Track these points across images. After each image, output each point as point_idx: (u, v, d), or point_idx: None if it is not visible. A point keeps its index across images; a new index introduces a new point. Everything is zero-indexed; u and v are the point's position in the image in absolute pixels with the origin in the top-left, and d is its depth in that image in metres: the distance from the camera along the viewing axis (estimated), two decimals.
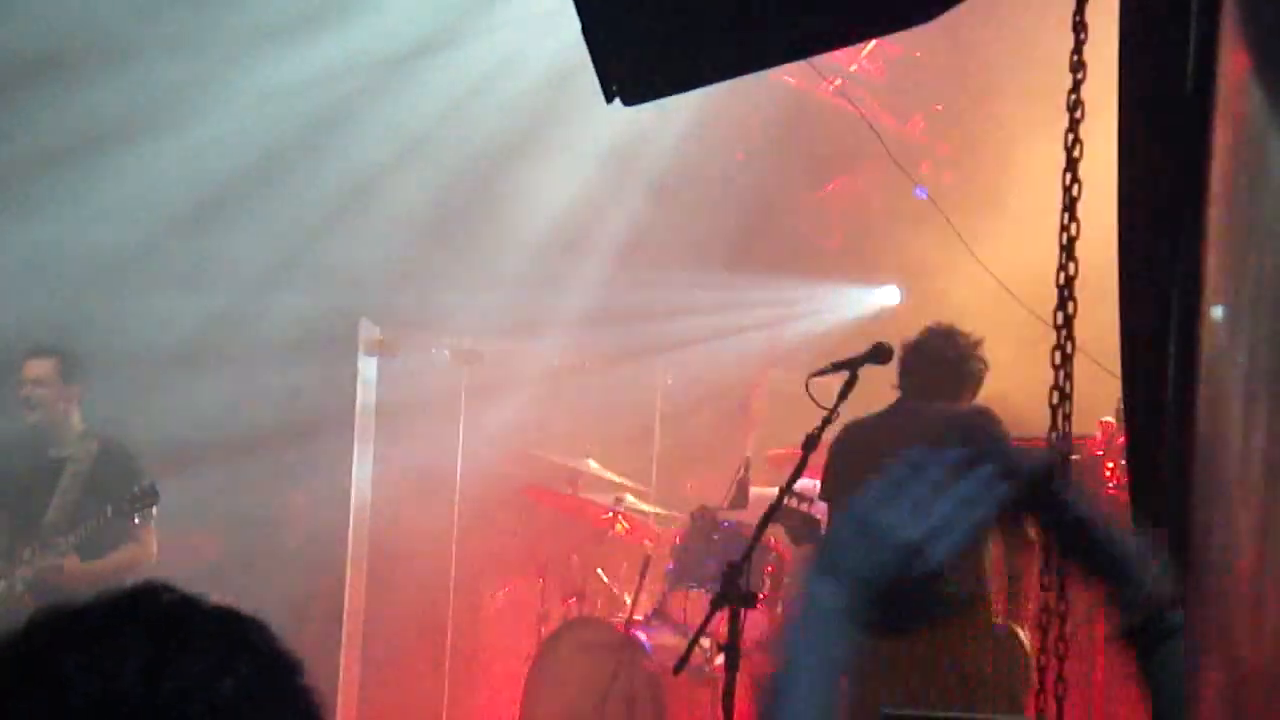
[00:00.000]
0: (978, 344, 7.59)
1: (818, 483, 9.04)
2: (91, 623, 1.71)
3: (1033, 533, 3.86)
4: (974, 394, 7.59)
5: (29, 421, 9.13)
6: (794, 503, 7.97)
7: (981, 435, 7.31)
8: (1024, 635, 7.23)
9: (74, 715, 1.64)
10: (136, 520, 8.86)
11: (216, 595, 1.80)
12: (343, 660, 10.73)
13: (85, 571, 8.80)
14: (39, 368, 9.09)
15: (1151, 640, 2.26)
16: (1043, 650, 3.90)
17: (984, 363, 7.61)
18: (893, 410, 7.63)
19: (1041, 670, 3.84)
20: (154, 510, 8.85)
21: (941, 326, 7.63)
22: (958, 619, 7.14)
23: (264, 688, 1.72)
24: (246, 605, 1.80)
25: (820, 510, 8.11)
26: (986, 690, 6.99)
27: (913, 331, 7.77)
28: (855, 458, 7.60)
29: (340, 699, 10.64)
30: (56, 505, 8.98)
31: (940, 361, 7.53)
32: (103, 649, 1.67)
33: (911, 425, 7.44)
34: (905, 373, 7.61)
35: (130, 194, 10.86)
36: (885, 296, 12.40)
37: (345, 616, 10.85)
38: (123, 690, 1.65)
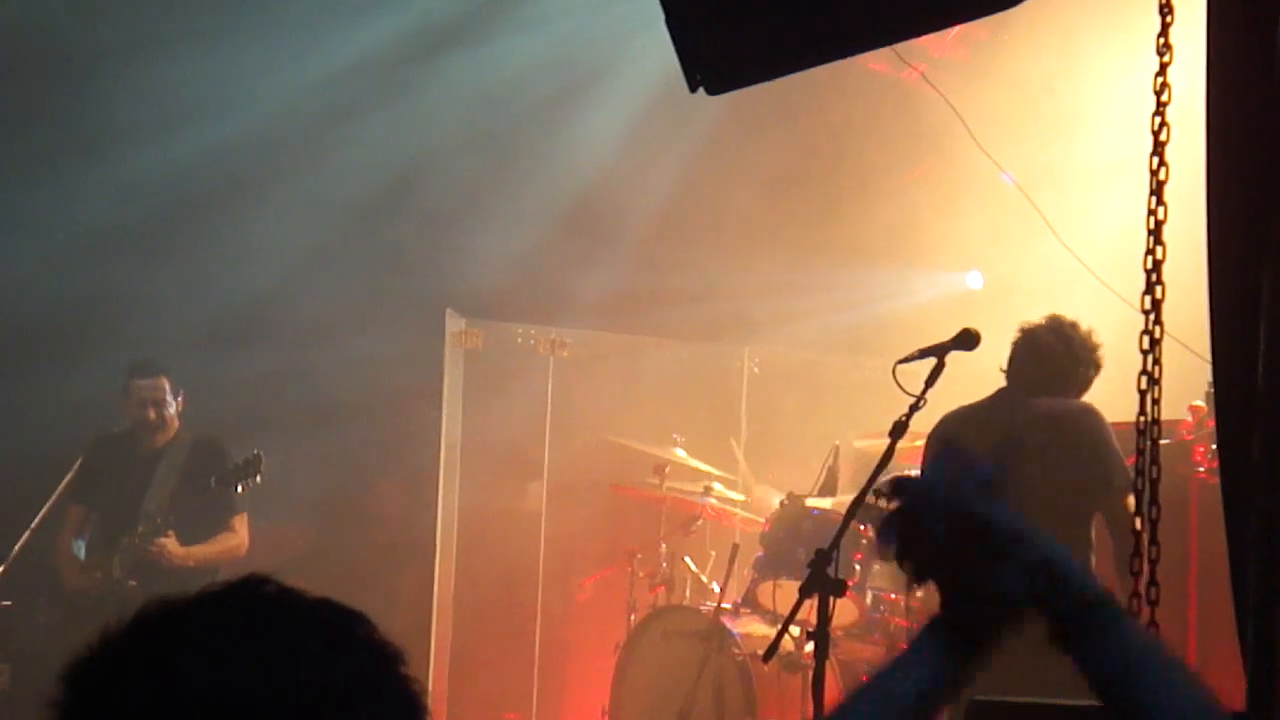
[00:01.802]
0: (1096, 347, 7.44)
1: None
2: (201, 616, 1.74)
3: (1137, 522, 3.85)
4: (1080, 394, 7.46)
5: (136, 434, 9.34)
6: (884, 502, 7.91)
7: (1088, 433, 7.23)
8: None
9: (186, 710, 1.66)
10: (240, 489, 9.01)
11: (307, 585, 1.83)
12: (433, 649, 10.79)
13: (184, 553, 8.97)
14: (155, 389, 9.36)
15: (1089, 630, 2.21)
16: None
17: (1098, 368, 7.46)
18: (994, 401, 7.51)
19: None
20: (259, 478, 8.98)
21: (1063, 322, 7.47)
22: None
23: (370, 678, 1.74)
24: (336, 595, 1.83)
25: None
26: None
27: (996, 317, 7.67)
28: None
29: (430, 688, 10.68)
30: (152, 495, 9.15)
31: (1054, 358, 7.40)
32: (213, 643, 1.70)
33: (1014, 418, 7.36)
34: (1016, 363, 7.48)
35: (198, 174, 10.99)
36: (968, 281, 12.33)
37: (435, 606, 10.90)
38: (235, 684, 1.67)
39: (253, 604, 1.75)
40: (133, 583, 8.89)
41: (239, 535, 9.25)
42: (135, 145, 10.83)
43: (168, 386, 9.38)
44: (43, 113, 10.76)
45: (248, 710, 1.67)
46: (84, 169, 10.78)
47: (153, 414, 9.34)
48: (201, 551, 9.06)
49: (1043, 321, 7.48)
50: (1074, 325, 7.45)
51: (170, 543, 8.97)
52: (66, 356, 10.49)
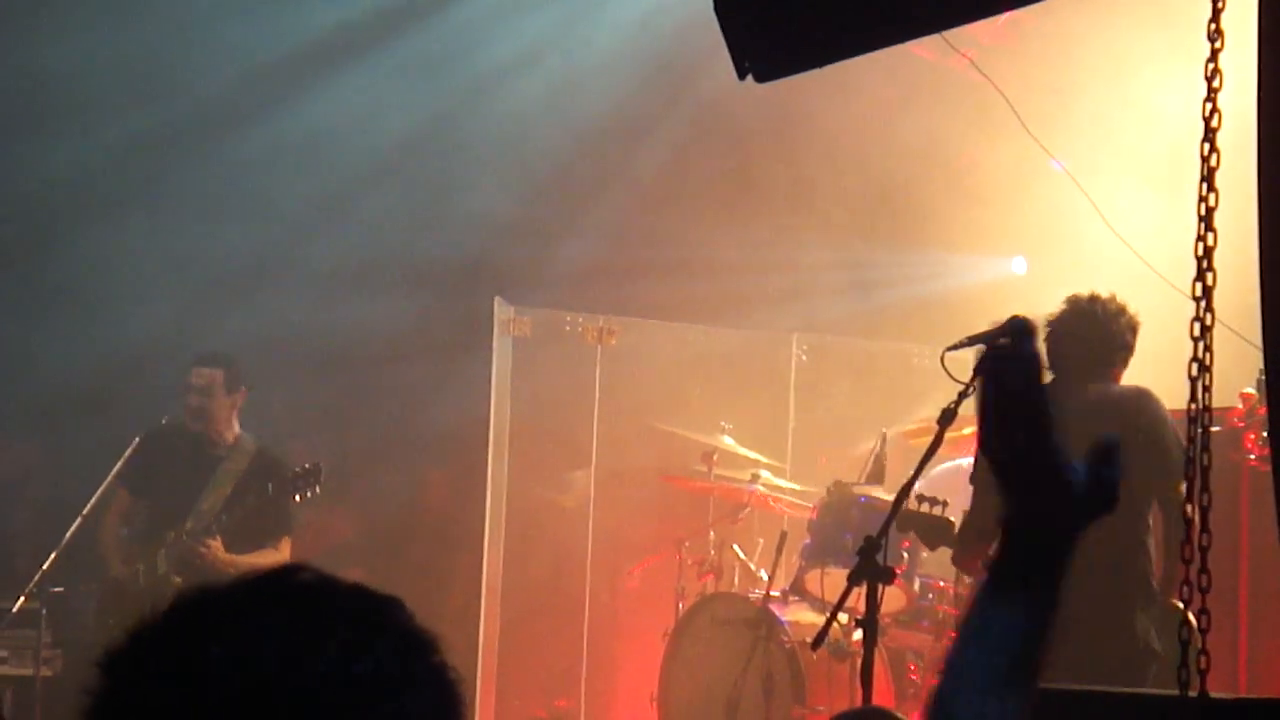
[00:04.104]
0: (1120, 309, 7.41)
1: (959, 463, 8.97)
2: (233, 606, 1.75)
3: (1188, 509, 3.84)
4: (1126, 361, 7.42)
5: (191, 429, 9.36)
6: (924, 507, 7.89)
7: (1145, 419, 7.19)
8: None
9: (217, 698, 1.68)
10: (299, 498, 9.03)
11: (357, 572, 1.84)
12: (482, 636, 10.81)
13: (228, 559, 8.99)
14: (205, 377, 9.36)
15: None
16: (1183, 623, 3.87)
17: (1130, 327, 7.41)
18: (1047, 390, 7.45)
19: (1184, 644, 3.82)
20: (318, 489, 9.00)
21: (1080, 298, 7.44)
22: (1124, 593, 7.05)
23: (400, 666, 1.74)
24: (386, 582, 1.84)
25: (953, 511, 8.04)
26: (1157, 665, 6.90)
27: (1042, 303, 7.64)
28: None
29: (480, 675, 10.72)
30: (208, 496, 9.19)
31: (1084, 336, 7.36)
32: (244, 633, 1.71)
33: (1067, 406, 7.30)
34: (1051, 352, 7.44)
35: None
36: (1013, 267, 12.30)
37: (484, 593, 10.91)
38: (264, 673, 1.68)
39: (286, 592, 1.76)
40: (177, 579, 8.91)
41: (281, 555, 9.24)
42: (169, 98, 10.99)
43: (221, 379, 9.36)
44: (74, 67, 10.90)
45: (276, 698, 1.68)
46: (120, 121, 10.91)
47: (195, 400, 9.35)
48: (244, 561, 9.02)
49: (1064, 306, 7.44)
50: (1092, 298, 7.40)
51: (217, 545, 9.00)
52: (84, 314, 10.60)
